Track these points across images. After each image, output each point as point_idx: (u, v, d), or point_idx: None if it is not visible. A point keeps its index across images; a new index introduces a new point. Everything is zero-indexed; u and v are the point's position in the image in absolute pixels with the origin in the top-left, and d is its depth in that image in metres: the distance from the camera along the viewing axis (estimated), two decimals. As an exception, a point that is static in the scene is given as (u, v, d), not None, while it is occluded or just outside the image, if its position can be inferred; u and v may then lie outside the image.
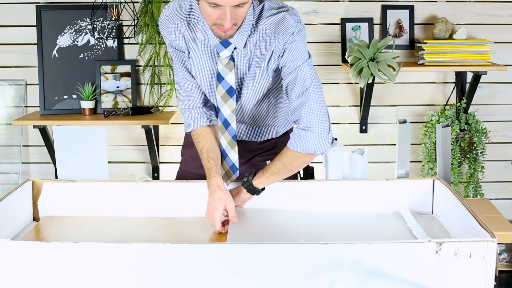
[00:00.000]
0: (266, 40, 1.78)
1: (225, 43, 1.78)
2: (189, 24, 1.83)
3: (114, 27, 3.17)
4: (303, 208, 1.83)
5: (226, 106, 1.83)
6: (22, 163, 3.36)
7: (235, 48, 1.79)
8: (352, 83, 3.26)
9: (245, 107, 1.91)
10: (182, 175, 2.08)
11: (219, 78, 1.82)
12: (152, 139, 3.19)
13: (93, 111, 3.20)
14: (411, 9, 3.29)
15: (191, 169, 2.05)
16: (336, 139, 1.98)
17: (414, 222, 1.71)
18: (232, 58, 1.80)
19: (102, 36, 3.21)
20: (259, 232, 1.71)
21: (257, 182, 1.79)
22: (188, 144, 2.11)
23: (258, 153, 2.04)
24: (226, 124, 1.85)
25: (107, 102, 3.22)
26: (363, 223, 1.75)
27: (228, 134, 1.86)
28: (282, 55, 1.77)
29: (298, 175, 2.23)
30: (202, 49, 1.83)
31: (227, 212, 1.75)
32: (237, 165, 1.88)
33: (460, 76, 3.31)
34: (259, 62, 1.81)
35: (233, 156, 1.87)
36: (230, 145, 1.86)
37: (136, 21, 3.15)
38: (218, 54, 1.81)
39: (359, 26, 3.28)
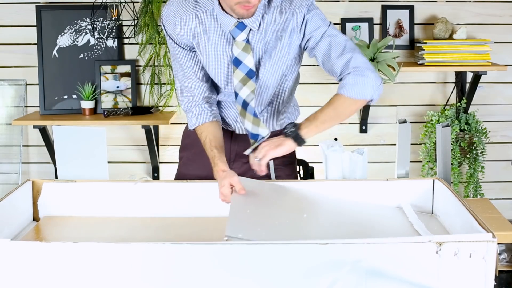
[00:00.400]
0: (282, 18, 1.80)
1: (241, 26, 1.78)
2: (197, 16, 1.82)
3: (114, 27, 3.17)
4: (303, 208, 1.83)
5: (245, 88, 1.82)
6: (22, 163, 3.36)
7: (250, 30, 1.79)
8: (352, 83, 3.26)
9: (263, 88, 1.90)
10: (181, 178, 2.07)
11: (236, 62, 1.81)
12: (152, 139, 3.19)
13: (93, 111, 3.20)
14: (411, 9, 3.29)
15: (190, 171, 2.04)
16: (336, 139, 1.98)
17: (415, 217, 1.72)
18: (247, 41, 1.81)
19: (102, 36, 3.21)
20: (261, 206, 1.70)
21: (305, 132, 1.75)
22: (186, 147, 2.10)
23: None
24: (245, 104, 1.84)
25: (107, 102, 3.23)
26: (364, 218, 1.75)
27: (250, 114, 1.84)
28: (305, 27, 1.80)
29: (298, 175, 2.23)
30: (214, 38, 1.83)
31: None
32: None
33: (460, 76, 3.31)
34: (276, 41, 1.82)
35: (263, 132, 1.84)
36: (255, 123, 1.84)
37: (136, 21, 3.15)
38: (233, 38, 1.81)
39: (359, 26, 3.28)
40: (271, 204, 1.72)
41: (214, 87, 1.96)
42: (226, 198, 1.71)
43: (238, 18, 1.78)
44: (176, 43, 1.88)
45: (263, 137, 1.84)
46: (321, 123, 1.75)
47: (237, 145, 2.00)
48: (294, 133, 1.74)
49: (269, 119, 1.99)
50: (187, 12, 1.82)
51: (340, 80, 1.79)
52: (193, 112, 1.92)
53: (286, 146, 1.75)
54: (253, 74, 1.82)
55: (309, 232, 1.56)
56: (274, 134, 1.92)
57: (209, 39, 1.83)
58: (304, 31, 1.81)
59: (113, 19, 3.08)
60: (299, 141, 1.75)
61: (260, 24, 1.80)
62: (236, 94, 1.84)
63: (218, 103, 1.98)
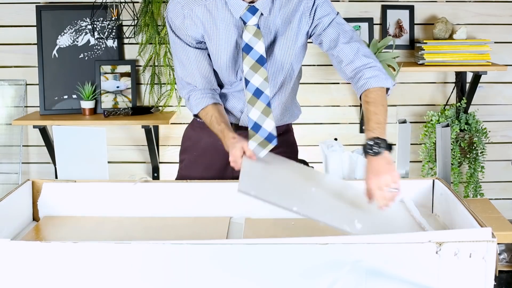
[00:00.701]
0: (292, 3, 1.82)
1: (252, 10, 1.79)
2: (205, 6, 1.82)
3: (114, 27, 3.17)
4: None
5: (257, 75, 1.82)
6: (22, 163, 3.36)
7: (261, 14, 1.80)
8: (352, 83, 3.26)
9: (270, 75, 1.90)
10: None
11: (247, 49, 1.81)
12: (152, 139, 3.19)
13: (93, 111, 3.20)
14: (411, 9, 3.29)
15: (192, 173, 2.02)
16: (336, 139, 1.98)
17: (417, 211, 1.72)
18: (258, 26, 1.81)
19: (102, 36, 3.21)
20: (272, 173, 1.70)
21: (386, 137, 1.62)
22: (187, 149, 2.09)
23: None
24: (258, 93, 1.83)
25: (107, 102, 3.23)
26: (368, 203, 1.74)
27: (262, 102, 1.83)
28: (315, 12, 1.82)
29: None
30: (224, 26, 1.83)
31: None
32: (274, 133, 1.84)
33: (460, 76, 3.31)
34: (285, 26, 1.84)
35: (269, 124, 1.83)
36: (265, 113, 1.83)
37: (136, 21, 3.15)
38: (244, 23, 1.81)
39: (359, 26, 3.28)
40: (282, 173, 1.72)
41: (217, 81, 1.96)
42: (237, 160, 1.68)
43: (249, 2, 1.79)
44: (180, 38, 1.87)
45: (270, 134, 1.83)
46: (384, 122, 1.68)
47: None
48: (384, 143, 1.60)
49: (274, 111, 1.97)
50: (196, 3, 1.82)
51: (353, 74, 1.80)
52: (195, 97, 1.90)
53: (390, 159, 1.60)
54: (264, 61, 1.82)
55: (317, 204, 1.56)
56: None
57: (219, 29, 1.83)
58: (314, 16, 1.83)
59: (113, 19, 3.08)
60: (391, 148, 1.64)
61: (270, 9, 1.81)
62: (247, 82, 1.83)
63: (224, 95, 1.97)
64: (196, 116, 1.98)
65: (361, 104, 3.31)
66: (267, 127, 1.84)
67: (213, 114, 1.86)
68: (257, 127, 1.84)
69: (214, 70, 1.92)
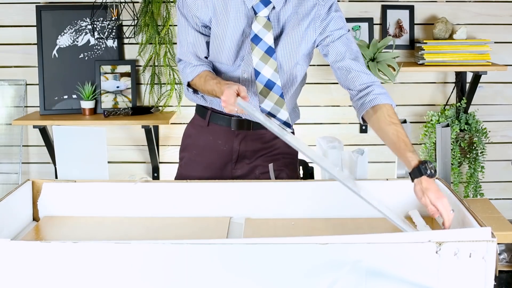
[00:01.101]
0: (305, 5, 1.83)
1: (265, 2, 1.79)
2: None
3: (114, 27, 3.17)
4: (303, 208, 1.83)
5: (267, 67, 1.82)
6: (22, 163, 3.36)
7: (273, 8, 1.81)
8: (352, 83, 3.26)
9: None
10: (181, 179, 2.06)
11: (256, 39, 1.81)
12: (152, 139, 3.19)
13: (93, 111, 3.20)
14: (411, 9, 3.29)
15: (192, 172, 2.03)
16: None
17: (416, 213, 1.73)
18: (268, 18, 1.81)
19: (102, 36, 3.21)
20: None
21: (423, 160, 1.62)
22: (187, 147, 2.09)
23: (262, 154, 2.02)
24: (270, 84, 1.83)
25: (107, 102, 3.23)
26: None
27: (275, 94, 1.83)
28: (327, 24, 1.83)
29: (298, 175, 2.23)
30: (235, 13, 1.83)
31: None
32: (290, 122, 1.84)
33: (460, 76, 3.31)
34: (292, 26, 1.84)
35: (283, 115, 1.83)
36: (279, 104, 1.83)
37: (136, 21, 3.15)
38: (255, 13, 1.81)
39: (359, 26, 3.28)
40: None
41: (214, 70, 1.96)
42: (229, 99, 1.66)
43: None
44: (186, 18, 1.88)
45: (283, 123, 1.82)
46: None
47: (239, 145, 2.00)
48: (433, 168, 1.59)
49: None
50: None
51: (361, 88, 1.82)
52: (189, 66, 1.91)
53: (435, 186, 1.60)
54: (272, 52, 1.82)
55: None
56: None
57: (229, 15, 1.83)
58: (325, 27, 1.84)
59: (113, 19, 3.08)
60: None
61: (283, 4, 1.81)
62: (258, 73, 1.82)
63: None
64: (189, 86, 1.94)
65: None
66: (281, 117, 1.84)
67: (207, 74, 1.86)
68: (270, 115, 1.84)
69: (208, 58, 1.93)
